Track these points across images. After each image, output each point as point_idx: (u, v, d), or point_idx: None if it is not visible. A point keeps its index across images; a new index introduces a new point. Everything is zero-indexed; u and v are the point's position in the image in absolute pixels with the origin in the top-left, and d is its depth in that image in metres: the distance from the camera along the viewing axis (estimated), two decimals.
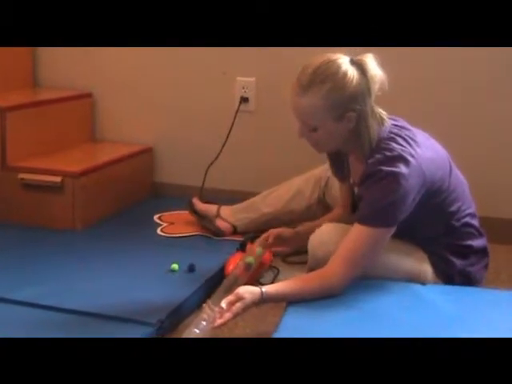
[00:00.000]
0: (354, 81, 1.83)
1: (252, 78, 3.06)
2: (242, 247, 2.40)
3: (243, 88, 3.06)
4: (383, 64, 1.88)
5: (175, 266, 2.31)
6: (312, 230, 2.06)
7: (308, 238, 2.03)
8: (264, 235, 2.15)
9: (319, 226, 2.06)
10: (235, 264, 2.10)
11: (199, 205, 2.77)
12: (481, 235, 2.06)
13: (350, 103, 1.85)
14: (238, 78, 3.07)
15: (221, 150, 3.05)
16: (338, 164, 2.13)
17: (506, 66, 2.75)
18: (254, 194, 2.76)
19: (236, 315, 1.73)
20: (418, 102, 2.85)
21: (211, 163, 3.06)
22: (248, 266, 2.03)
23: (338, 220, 2.15)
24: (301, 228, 2.31)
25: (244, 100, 3.07)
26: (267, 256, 2.38)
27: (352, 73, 1.84)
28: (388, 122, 1.92)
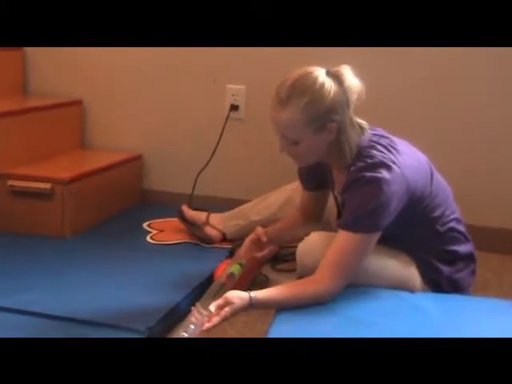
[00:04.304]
0: (332, 92, 1.83)
1: (242, 85, 3.06)
2: (231, 254, 2.40)
3: (233, 96, 3.07)
4: (371, 67, 1.89)
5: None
6: (279, 233, 2.25)
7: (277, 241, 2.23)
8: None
9: (282, 227, 2.27)
10: (223, 271, 2.11)
11: (188, 212, 2.77)
12: (467, 240, 2.07)
13: (329, 114, 1.85)
14: (228, 86, 3.08)
15: (210, 158, 3.05)
16: (310, 174, 2.16)
17: (497, 73, 2.77)
18: (243, 202, 2.76)
19: (224, 319, 1.73)
20: (404, 110, 2.86)
21: (201, 170, 3.06)
22: (231, 276, 2.03)
23: (294, 221, 2.28)
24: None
25: (234, 108, 3.07)
26: (255, 264, 2.38)
27: (329, 84, 1.84)
28: (368, 132, 1.94)
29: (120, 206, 3.07)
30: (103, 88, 3.27)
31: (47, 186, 2.71)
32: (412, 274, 2.00)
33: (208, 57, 3.05)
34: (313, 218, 2.27)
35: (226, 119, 3.06)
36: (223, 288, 1.91)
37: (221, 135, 3.05)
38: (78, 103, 3.27)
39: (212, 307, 1.73)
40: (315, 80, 1.84)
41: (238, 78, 3.06)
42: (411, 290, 1.97)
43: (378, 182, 1.81)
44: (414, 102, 2.87)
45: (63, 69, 3.29)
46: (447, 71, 2.82)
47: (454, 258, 2.03)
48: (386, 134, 1.96)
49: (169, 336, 1.97)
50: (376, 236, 1.86)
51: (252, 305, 1.77)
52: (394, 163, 1.85)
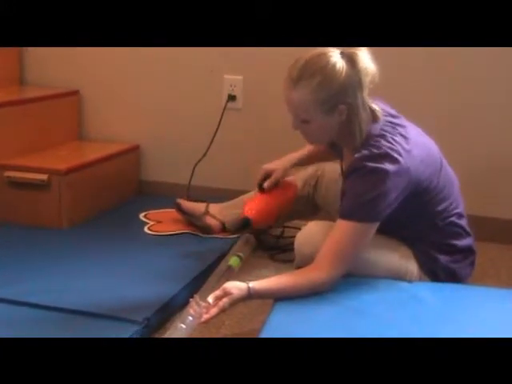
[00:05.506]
0: (344, 73, 1.83)
1: (239, 75, 3.05)
2: (260, 188, 2.39)
3: (231, 86, 3.06)
4: (380, 62, 1.88)
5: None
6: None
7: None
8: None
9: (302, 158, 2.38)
10: (251, 205, 2.34)
11: (186, 204, 2.75)
12: (467, 235, 2.06)
13: (340, 96, 1.84)
14: (226, 76, 3.07)
15: (208, 148, 3.04)
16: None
17: (503, 66, 2.76)
18: (241, 192, 2.75)
19: (222, 310, 1.73)
20: (413, 99, 2.84)
21: (198, 161, 3.06)
22: (230, 269, 2.03)
23: (318, 152, 2.35)
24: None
25: (231, 98, 3.06)
26: (292, 191, 2.44)
27: (341, 65, 1.83)
28: (382, 119, 1.92)
29: (117, 196, 3.06)
30: (100, 78, 3.25)
31: (44, 177, 2.70)
32: (410, 264, 2.00)
33: (206, 48, 3.03)
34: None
35: (224, 109, 3.05)
36: (225, 275, 1.92)
37: (218, 125, 3.04)
38: (75, 94, 3.26)
39: (210, 298, 1.73)
40: (328, 61, 1.84)
41: (235, 68, 3.05)
42: (409, 281, 1.97)
43: (380, 174, 1.81)
44: (412, 93, 2.86)
45: (60, 59, 3.27)
46: (449, 60, 2.80)
47: (452, 250, 2.02)
48: (402, 123, 1.94)
49: (167, 329, 1.96)
50: (374, 226, 1.85)
51: (250, 295, 1.77)
52: (401, 155, 1.84)
